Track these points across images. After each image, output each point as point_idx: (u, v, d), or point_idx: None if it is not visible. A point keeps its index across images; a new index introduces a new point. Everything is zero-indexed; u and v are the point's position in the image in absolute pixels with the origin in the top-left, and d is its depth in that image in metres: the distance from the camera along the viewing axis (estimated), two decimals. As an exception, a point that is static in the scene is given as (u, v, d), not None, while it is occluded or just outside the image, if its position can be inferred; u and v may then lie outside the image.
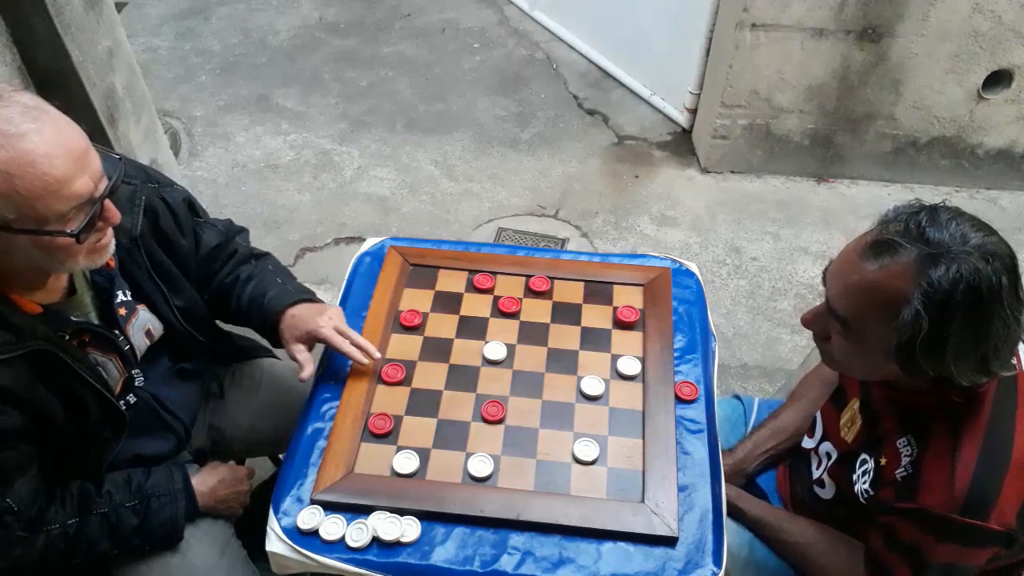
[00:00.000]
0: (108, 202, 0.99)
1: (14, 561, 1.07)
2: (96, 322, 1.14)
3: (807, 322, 1.09)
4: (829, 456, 1.24)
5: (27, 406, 1.00)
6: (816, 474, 1.28)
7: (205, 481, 1.29)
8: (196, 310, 1.33)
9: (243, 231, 1.46)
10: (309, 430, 1.29)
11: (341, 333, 1.29)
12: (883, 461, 1.08)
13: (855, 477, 1.15)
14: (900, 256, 0.92)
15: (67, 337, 1.07)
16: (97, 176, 0.96)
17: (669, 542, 1.15)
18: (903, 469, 1.03)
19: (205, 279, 1.37)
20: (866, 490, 1.11)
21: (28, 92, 0.93)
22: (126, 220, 1.14)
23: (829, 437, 1.26)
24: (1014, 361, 1.00)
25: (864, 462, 1.13)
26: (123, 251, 1.17)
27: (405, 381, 1.35)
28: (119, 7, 3.34)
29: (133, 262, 1.20)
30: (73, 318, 1.09)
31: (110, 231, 1.04)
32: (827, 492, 1.24)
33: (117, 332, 1.16)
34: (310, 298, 1.36)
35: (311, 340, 1.29)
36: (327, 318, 1.29)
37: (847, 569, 1.13)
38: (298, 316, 1.31)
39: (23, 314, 1.02)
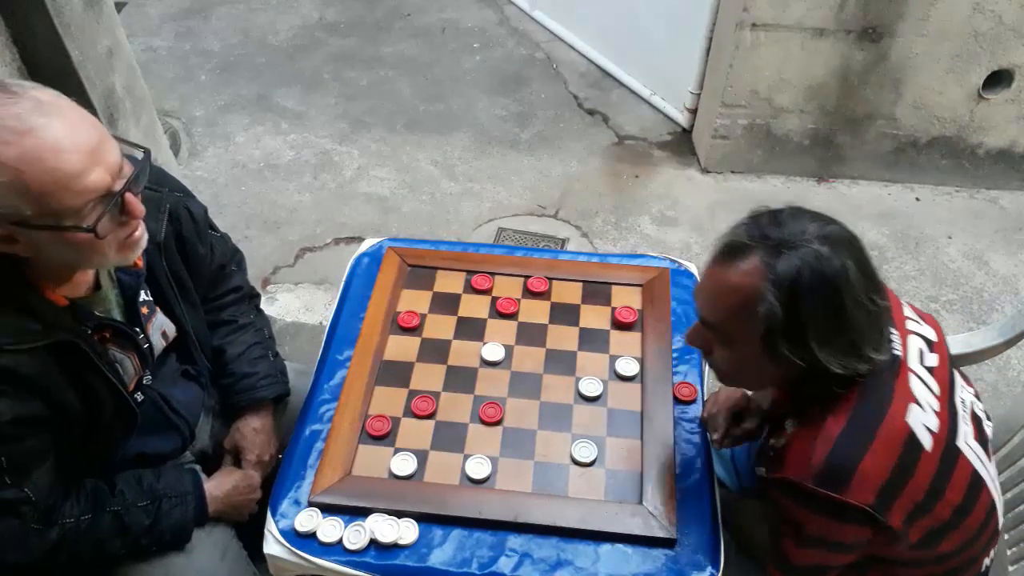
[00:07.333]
0: (130, 196, 0.97)
1: (25, 553, 1.06)
2: (120, 319, 1.15)
3: (689, 340, 1.12)
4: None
5: (47, 396, 1.01)
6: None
7: (219, 486, 1.29)
8: (201, 319, 1.35)
9: (240, 256, 1.49)
10: (307, 432, 1.29)
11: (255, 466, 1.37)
12: (771, 441, 1.11)
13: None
14: (748, 255, 0.96)
15: (89, 331, 1.07)
16: (114, 169, 0.95)
17: (667, 544, 1.15)
18: (779, 443, 1.06)
19: (203, 295, 1.39)
20: (758, 468, 1.14)
21: (47, 88, 0.92)
22: (152, 226, 1.13)
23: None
24: (897, 346, 1.03)
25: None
26: (146, 254, 1.17)
27: (403, 383, 1.34)
28: (119, 7, 3.34)
29: (155, 266, 1.22)
30: (97, 313, 1.10)
31: (142, 226, 1.03)
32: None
33: (138, 330, 1.17)
34: (282, 392, 1.42)
35: (234, 452, 1.38)
36: (259, 454, 1.37)
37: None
38: (246, 436, 1.37)
39: (51, 305, 1.02)
